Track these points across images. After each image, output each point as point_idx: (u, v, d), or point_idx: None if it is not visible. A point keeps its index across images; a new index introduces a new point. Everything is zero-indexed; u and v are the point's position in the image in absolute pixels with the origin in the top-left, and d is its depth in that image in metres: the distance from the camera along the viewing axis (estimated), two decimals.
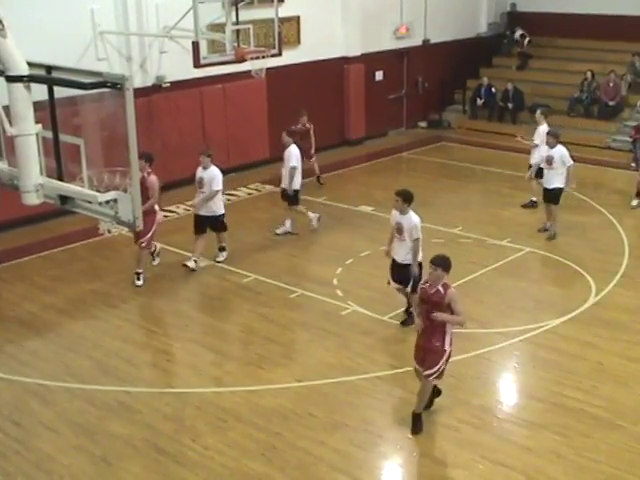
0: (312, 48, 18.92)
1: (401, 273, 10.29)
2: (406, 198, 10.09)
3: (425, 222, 14.27)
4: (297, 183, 13.76)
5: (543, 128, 14.44)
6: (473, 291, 11.57)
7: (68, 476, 7.56)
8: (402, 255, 10.19)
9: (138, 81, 15.37)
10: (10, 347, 10.21)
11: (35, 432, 8.21)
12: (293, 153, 13.73)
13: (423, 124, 22.73)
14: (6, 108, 6.37)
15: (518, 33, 22.82)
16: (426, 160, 19.23)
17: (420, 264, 10.10)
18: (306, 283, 11.88)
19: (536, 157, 14.35)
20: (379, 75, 21.24)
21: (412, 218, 10.11)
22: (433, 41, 22.24)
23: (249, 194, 16.73)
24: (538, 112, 15.18)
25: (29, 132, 6.37)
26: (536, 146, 14.52)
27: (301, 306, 11.27)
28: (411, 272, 10.09)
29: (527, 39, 22.68)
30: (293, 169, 13.61)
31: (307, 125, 16.55)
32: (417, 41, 21.96)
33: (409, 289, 10.19)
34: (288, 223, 14.01)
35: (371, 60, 20.59)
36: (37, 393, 9.02)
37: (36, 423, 8.37)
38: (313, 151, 16.71)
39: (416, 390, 8.86)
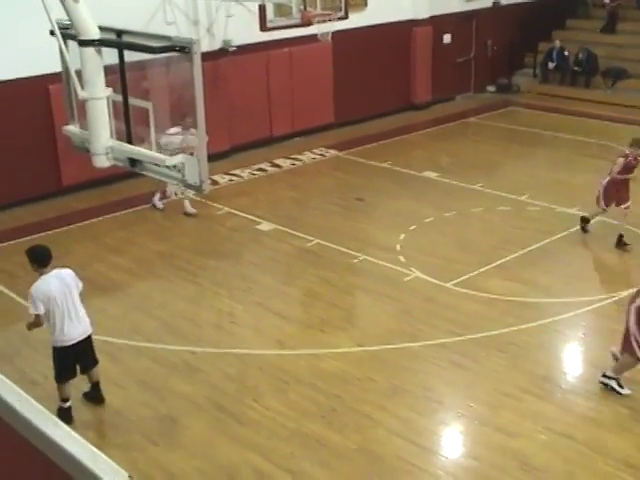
0: (379, 11, 18.67)
1: None
2: (33, 258, 7.62)
3: (491, 189, 14.25)
4: None
5: None
6: (540, 260, 11.41)
7: (135, 431, 7.79)
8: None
9: (205, 45, 15.40)
10: None
11: (104, 388, 8.44)
12: None
13: (491, 88, 22.30)
14: (78, 72, 6.48)
15: None
16: (494, 125, 18.90)
17: (66, 349, 7.73)
18: (369, 248, 11.87)
19: None
20: (447, 38, 20.87)
21: (32, 286, 7.53)
22: (504, 2, 21.72)
23: (313, 159, 16.73)
24: None
25: (100, 96, 6.47)
26: None
27: (363, 271, 11.29)
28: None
29: None
30: None
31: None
32: (487, 3, 21.48)
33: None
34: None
35: (439, 23, 20.24)
36: (106, 350, 9.26)
37: (105, 379, 8.60)
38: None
39: (478, 357, 8.86)
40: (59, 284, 7.57)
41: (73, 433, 1.81)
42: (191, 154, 6.55)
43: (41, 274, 7.57)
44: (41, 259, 7.61)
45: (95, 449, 1.78)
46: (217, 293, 10.81)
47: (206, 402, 8.22)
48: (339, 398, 8.21)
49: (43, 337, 9.36)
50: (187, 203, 13.31)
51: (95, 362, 8.09)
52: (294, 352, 9.16)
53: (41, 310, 7.50)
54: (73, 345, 7.74)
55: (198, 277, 11.32)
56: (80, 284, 7.85)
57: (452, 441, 7.77)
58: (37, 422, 1.86)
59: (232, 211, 13.54)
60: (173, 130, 11.87)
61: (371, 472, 7.16)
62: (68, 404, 7.86)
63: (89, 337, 7.91)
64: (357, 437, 7.59)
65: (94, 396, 8.18)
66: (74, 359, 7.87)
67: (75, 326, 7.70)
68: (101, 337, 9.57)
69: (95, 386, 8.18)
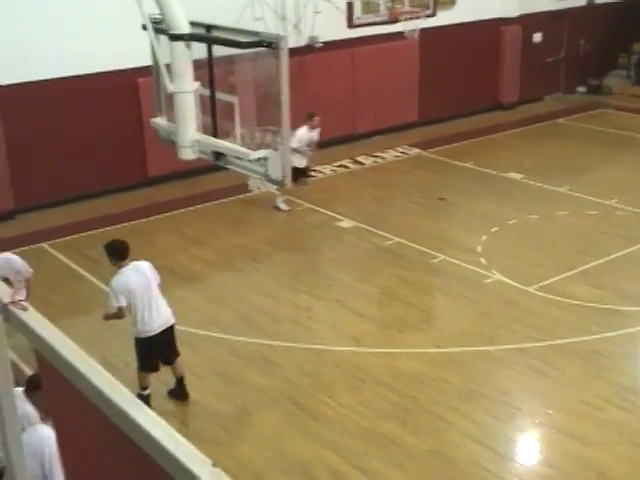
0: (468, 9, 18.39)
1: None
2: (111, 252, 7.82)
3: (578, 192, 13.90)
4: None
5: None
6: (628, 266, 11.05)
7: (209, 421, 7.91)
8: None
9: (292, 41, 15.36)
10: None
11: None
12: None
13: (582, 89, 21.73)
14: (167, 66, 6.59)
15: None
16: (583, 127, 18.42)
17: (147, 340, 7.89)
18: (449, 249, 11.74)
19: None
20: (537, 37, 20.43)
21: (112, 280, 7.79)
22: (598, 1, 21.13)
23: (396, 157, 16.62)
24: None
25: (188, 89, 6.57)
26: None
27: (443, 272, 11.17)
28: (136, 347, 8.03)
29: None
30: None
31: None
32: (580, 1, 20.92)
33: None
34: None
35: (529, 21, 19.82)
36: (185, 340, 9.40)
37: (184, 368, 8.75)
38: None
39: (558, 364, 8.65)
40: (138, 277, 7.73)
41: (162, 422, 1.85)
42: (275, 149, 6.58)
43: (120, 267, 7.74)
44: (119, 253, 7.76)
45: (182, 438, 1.80)
46: (295, 288, 10.86)
47: (281, 396, 8.27)
48: (414, 399, 8.15)
49: (124, 324, 9.57)
50: (280, 200, 13.38)
51: (176, 354, 8.19)
52: (370, 350, 9.13)
53: (123, 303, 7.67)
54: (154, 336, 7.87)
55: (277, 271, 11.39)
56: (157, 276, 7.97)
57: (528, 448, 7.62)
58: (127, 408, 1.90)
59: (313, 207, 13.59)
60: (301, 130, 12.86)
61: (444, 475, 7.08)
62: (147, 392, 8.01)
63: (171, 328, 8.03)
64: (431, 439, 7.51)
65: (179, 392, 8.25)
66: (156, 350, 8.00)
67: (156, 317, 7.83)
68: (181, 327, 9.72)
69: (179, 381, 8.24)
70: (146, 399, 7.92)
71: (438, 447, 7.40)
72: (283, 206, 13.44)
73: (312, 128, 13.25)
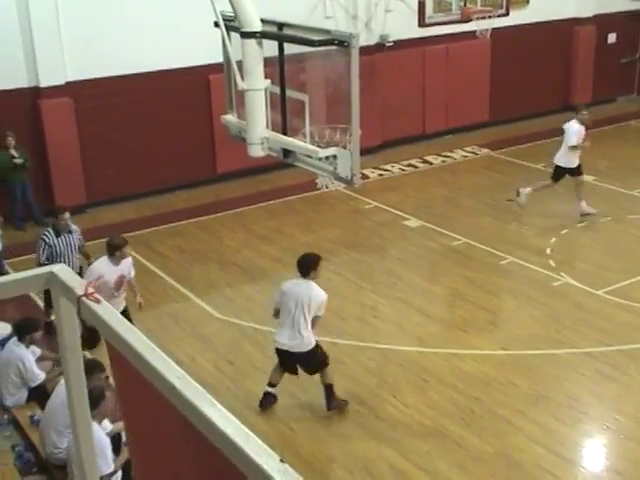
0: (541, 8, 18.09)
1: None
2: (300, 264, 7.91)
3: None
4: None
5: None
6: None
7: (274, 417, 7.98)
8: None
9: (362, 40, 15.28)
10: (229, 291, 10.83)
11: (247, 372, 8.69)
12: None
13: None
14: (238, 63, 6.66)
15: None
16: None
17: (276, 348, 8.01)
18: (518, 250, 11.58)
19: None
20: (612, 38, 19.97)
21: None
22: None
23: (464, 157, 16.46)
24: None
25: (258, 87, 6.63)
26: None
27: (511, 273, 11.03)
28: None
29: None
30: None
31: None
32: None
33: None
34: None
35: (604, 22, 19.38)
36: (251, 336, 9.53)
37: (248, 364, 8.86)
38: None
39: (627, 369, 8.47)
40: (296, 290, 7.77)
41: (231, 417, 1.88)
42: (344, 147, 6.58)
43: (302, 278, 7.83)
44: (301, 268, 7.86)
45: (250, 432, 1.83)
46: (361, 287, 10.86)
47: (345, 394, 8.27)
48: (479, 401, 8.07)
49: (192, 319, 9.75)
50: (584, 203, 12.71)
51: (310, 372, 8.03)
52: (435, 351, 9.08)
53: (275, 300, 7.90)
54: (279, 349, 7.91)
55: (343, 269, 11.40)
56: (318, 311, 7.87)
57: (595, 453, 7.48)
58: (195, 401, 1.93)
59: (380, 206, 13.56)
60: (575, 126, 12.14)
61: (508, 478, 7.01)
62: (270, 390, 8.04)
63: (300, 354, 7.85)
64: (496, 441, 7.44)
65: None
66: (281, 361, 8.01)
67: (287, 335, 7.79)
68: (246, 323, 9.87)
69: (325, 390, 8.00)
70: (266, 396, 8.00)
71: (503, 450, 7.32)
72: (590, 210, 12.64)
73: (581, 122, 12.30)
